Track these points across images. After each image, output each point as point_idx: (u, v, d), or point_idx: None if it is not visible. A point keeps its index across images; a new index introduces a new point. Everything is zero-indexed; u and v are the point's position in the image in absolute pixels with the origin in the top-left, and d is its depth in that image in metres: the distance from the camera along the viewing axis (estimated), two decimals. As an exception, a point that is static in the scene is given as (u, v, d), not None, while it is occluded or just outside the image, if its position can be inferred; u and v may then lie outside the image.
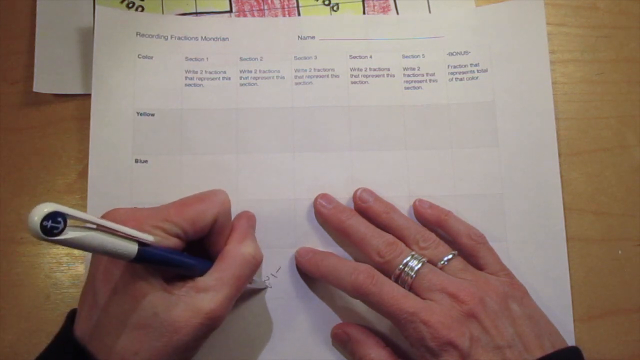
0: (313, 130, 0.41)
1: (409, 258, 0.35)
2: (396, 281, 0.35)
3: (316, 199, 0.40)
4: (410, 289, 0.35)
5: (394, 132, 0.42)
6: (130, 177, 0.40)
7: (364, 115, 0.42)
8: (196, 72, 0.42)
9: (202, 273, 0.33)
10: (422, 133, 0.42)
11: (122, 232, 0.27)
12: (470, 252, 0.38)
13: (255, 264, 0.34)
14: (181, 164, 0.40)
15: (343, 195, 0.41)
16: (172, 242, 0.32)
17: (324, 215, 0.39)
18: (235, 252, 0.34)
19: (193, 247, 0.34)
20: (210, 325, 0.31)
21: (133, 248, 0.28)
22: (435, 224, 0.39)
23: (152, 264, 0.30)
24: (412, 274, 0.35)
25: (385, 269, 0.36)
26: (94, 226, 0.26)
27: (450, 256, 0.36)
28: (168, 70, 0.42)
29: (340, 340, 0.38)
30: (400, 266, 0.35)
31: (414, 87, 0.42)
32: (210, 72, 0.42)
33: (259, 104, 0.42)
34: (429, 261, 0.36)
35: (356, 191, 0.40)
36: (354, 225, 0.38)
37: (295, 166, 0.41)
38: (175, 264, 0.31)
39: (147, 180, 0.40)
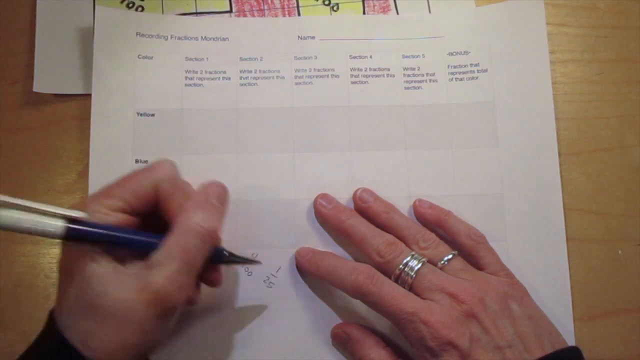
0: (313, 130, 0.41)
1: (409, 258, 0.35)
2: (396, 281, 0.35)
3: (316, 199, 0.40)
4: (411, 289, 0.35)
5: (394, 132, 0.41)
6: None
7: (364, 115, 0.42)
8: (196, 72, 0.41)
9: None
10: (422, 133, 0.41)
11: (41, 209, 0.27)
12: (470, 252, 0.38)
13: (205, 234, 0.32)
14: (181, 163, 0.38)
15: (343, 195, 0.41)
16: (117, 218, 0.31)
17: (324, 215, 0.39)
18: (182, 223, 0.32)
19: (157, 226, 0.33)
20: (162, 303, 0.30)
21: (58, 225, 0.27)
22: (435, 224, 0.39)
23: (92, 242, 0.30)
24: (412, 274, 0.35)
25: (385, 269, 0.36)
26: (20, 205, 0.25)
27: (450, 256, 0.36)
28: (168, 70, 0.41)
29: (340, 340, 0.38)
30: (400, 266, 0.35)
31: (414, 87, 0.42)
32: (210, 72, 0.42)
33: (259, 104, 0.41)
34: (429, 261, 0.36)
35: (356, 191, 0.40)
36: (354, 225, 0.38)
37: (295, 166, 0.41)
38: (119, 241, 0.30)
39: None
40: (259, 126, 0.41)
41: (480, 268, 0.37)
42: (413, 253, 0.36)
